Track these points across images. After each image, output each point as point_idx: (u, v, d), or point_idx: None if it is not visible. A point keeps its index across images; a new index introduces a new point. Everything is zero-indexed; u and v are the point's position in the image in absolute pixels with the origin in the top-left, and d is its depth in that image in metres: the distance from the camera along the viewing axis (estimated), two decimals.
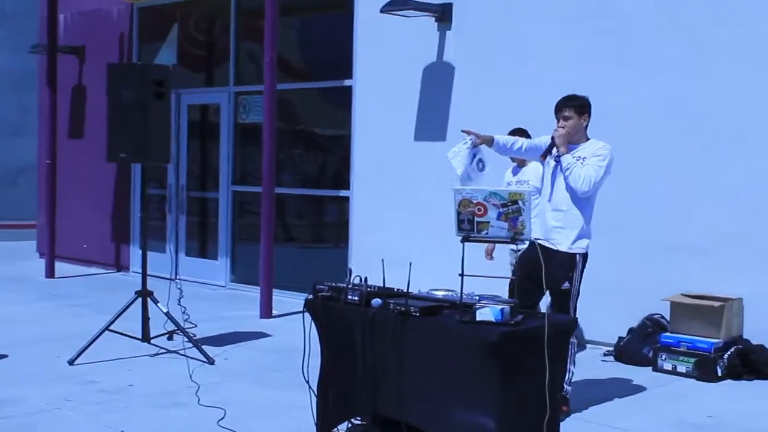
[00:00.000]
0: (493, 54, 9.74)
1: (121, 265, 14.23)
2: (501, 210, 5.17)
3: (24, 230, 19.29)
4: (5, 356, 7.79)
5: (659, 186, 8.61)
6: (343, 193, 11.35)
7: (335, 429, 5.57)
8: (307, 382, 5.51)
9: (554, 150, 6.46)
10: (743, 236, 8.11)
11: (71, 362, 7.57)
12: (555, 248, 6.33)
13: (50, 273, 13.36)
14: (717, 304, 7.85)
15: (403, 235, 10.15)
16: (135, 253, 13.59)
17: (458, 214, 5.27)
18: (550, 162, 6.51)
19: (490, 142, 6.48)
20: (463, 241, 5.31)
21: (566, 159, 6.33)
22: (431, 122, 10.15)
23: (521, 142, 6.73)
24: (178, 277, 11.65)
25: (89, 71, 14.53)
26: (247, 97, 12.58)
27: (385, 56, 10.77)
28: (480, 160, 6.44)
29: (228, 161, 12.76)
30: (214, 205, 13.03)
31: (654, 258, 8.56)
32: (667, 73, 8.60)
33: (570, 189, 6.31)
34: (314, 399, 5.57)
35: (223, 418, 6.04)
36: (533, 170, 7.80)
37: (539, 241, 6.14)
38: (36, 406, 6.32)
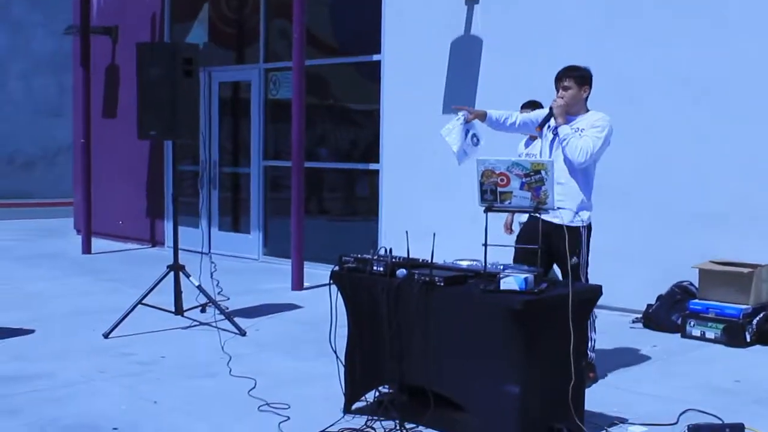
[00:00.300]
0: (519, 28, 9.76)
1: (156, 241, 14.43)
2: (524, 180, 5.17)
3: (63, 208, 19.59)
4: (32, 331, 7.94)
5: (681, 155, 8.64)
6: (372, 166, 11.42)
7: (362, 398, 5.66)
8: (335, 352, 5.59)
9: (552, 122, 6.38)
10: (765, 201, 8.12)
11: (106, 335, 7.71)
12: (557, 222, 6.11)
13: (87, 249, 13.59)
14: (746, 270, 7.87)
15: (432, 208, 10.21)
16: (169, 228, 13.74)
17: (481, 184, 5.28)
18: (548, 134, 6.44)
19: (483, 117, 6.43)
20: (486, 211, 5.34)
21: (564, 130, 6.26)
22: (459, 96, 10.17)
23: (515, 116, 6.61)
24: (211, 251, 11.84)
25: (122, 51, 14.67)
26: (277, 73, 12.67)
27: (412, 31, 10.80)
28: (474, 135, 6.41)
29: (259, 137, 12.88)
30: (246, 180, 13.16)
31: (682, 226, 8.59)
32: (683, 44, 8.62)
33: (568, 161, 6.22)
34: (342, 369, 5.67)
35: (253, 388, 6.15)
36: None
37: (542, 215, 5.90)
38: (70, 379, 6.44)
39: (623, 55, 8.91)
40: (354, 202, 12.49)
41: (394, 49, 11.01)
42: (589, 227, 6.40)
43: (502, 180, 5.21)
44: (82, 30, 13.83)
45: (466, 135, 6.30)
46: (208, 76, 13.48)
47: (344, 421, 5.41)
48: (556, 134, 6.33)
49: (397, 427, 5.27)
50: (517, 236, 6.79)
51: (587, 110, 6.46)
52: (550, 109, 6.37)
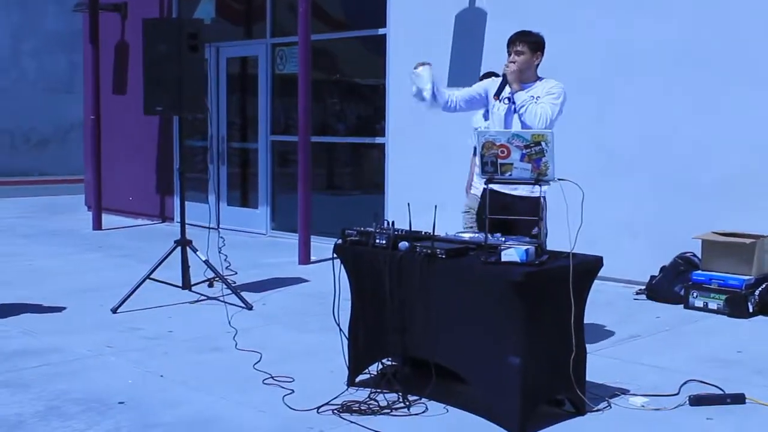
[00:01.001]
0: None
1: (165, 216, 14.51)
2: (524, 151, 5.15)
3: (74, 185, 19.70)
4: (42, 306, 8.02)
5: (684, 126, 8.65)
6: (378, 140, 11.45)
7: (366, 370, 5.71)
8: (338, 325, 5.63)
9: (507, 90, 6.15)
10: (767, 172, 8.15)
11: (114, 310, 7.78)
12: (516, 194, 6.06)
13: (97, 225, 13.67)
14: (748, 241, 7.89)
15: (437, 181, 10.22)
16: (178, 203, 13.79)
17: (482, 156, 5.29)
18: (498, 104, 6.19)
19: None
20: (487, 183, 5.37)
21: (520, 96, 6.06)
22: (464, 69, 10.17)
23: (451, 94, 6.32)
24: (219, 226, 11.90)
25: (131, 28, 14.69)
26: (284, 48, 12.68)
27: (417, 4, 10.80)
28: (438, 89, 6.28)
29: (266, 112, 12.91)
30: (254, 155, 13.21)
31: (685, 197, 8.62)
32: (681, 14, 8.62)
33: (525, 129, 5.86)
34: (345, 342, 5.72)
35: (259, 361, 6.21)
36: None
37: (495, 188, 5.75)
38: (79, 353, 6.51)
39: (627, 28, 8.92)
40: (360, 176, 12.53)
41: (399, 22, 11.02)
42: (545, 199, 5.99)
43: (502, 152, 5.19)
44: (90, 7, 13.85)
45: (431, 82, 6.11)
46: (216, 52, 13.51)
47: (348, 394, 5.46)
48: (512, 102, 6.13)
49: (400, 400, 5.32)
50: (477, 209, 6.61)
51: (538, 77, 6.23)
52: (503, 76, 6.15)
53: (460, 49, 10.30)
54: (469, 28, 10.24)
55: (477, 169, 7.15)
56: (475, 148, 7.35)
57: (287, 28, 12.60)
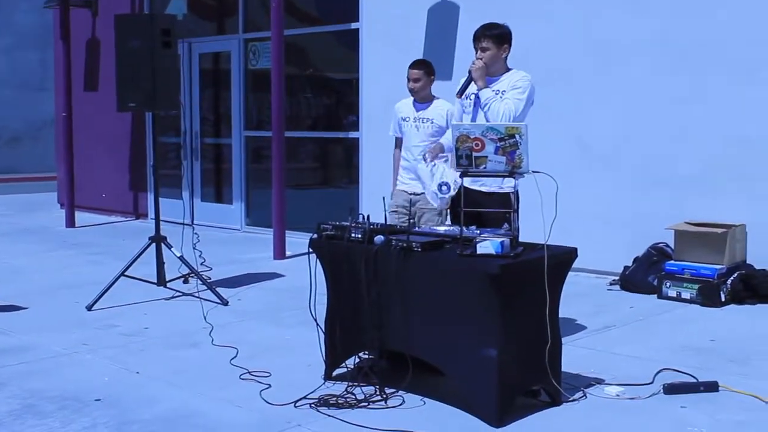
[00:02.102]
0: None
1: (139, 213, 14.47)
2: (498, 144, 5.14)
3: (46, 182, 19.58)
4: (16, 305, 7.98)
5: (659, 118, 8.71)
6: (352, 134, 11.46)
7: (343, 364, 5.71)
8: (315, 319, 5.63)
9: (473, 86, 6.14)
10: (741, 164, 8.25)
11: (89, 308, 7.76)
12: (486, 190, 6.07)
13: (71, 223, 13.63)
14: (720, 230, 7.96)
15: None
16: (152, 200, 13.75)
17: (456, 149, 5.29)
18: (466, 101, 6.21)
19: (441, 149, 6.27)
20: (462, 176, 5.36)
21: (484, 94, 6.02)
22: (437, 62, 10.02)
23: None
24: (194, 222, 11.88)
25: (102, 24, 14.61)
26: (257, 43, 12.67)
27: None
28: (444, 183, 6.36)
29: (240, 107, 12.90)
30: (228, 150, 13.19)
31: (657, 188, 8.69)
32: (658, 6, 8.67)
33: None
34: (322, 336, 5.73)
35: (235, 356, 6.21)
36: (437, 108, 7.17)
37: (466, 185, 5.62)
38: (54, 351, 6.49)
39: (604, 19, 8.98)
40: (335, 170, 12.54)
41: (372, 16, 11.02)
42: (517, 193, 5.91)
43: (477, 145, 5.18)
44: (62, 3, 13.78)
45: (432, 182, 6.15)
46: (189, 48, 13.48)
47: (325, 388, 5.47)
48: (478, 99, 6.10)
49: (377, 393, 5.34)
50: (451, 205, 6.52)
51: (507, 69, 6.22)
52: (469, 72, 6.13)
53: (433, 43, 10.32)
54: (441, 22, 10.26)
55: (403, 162, 7.19)
56: (397, 140, 7.37)
57: (260, 24, 12.59)
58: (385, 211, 6.70)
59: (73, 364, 6.18)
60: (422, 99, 7.21)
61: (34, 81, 25.39)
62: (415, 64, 7.28)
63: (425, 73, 7.16)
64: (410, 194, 6.99)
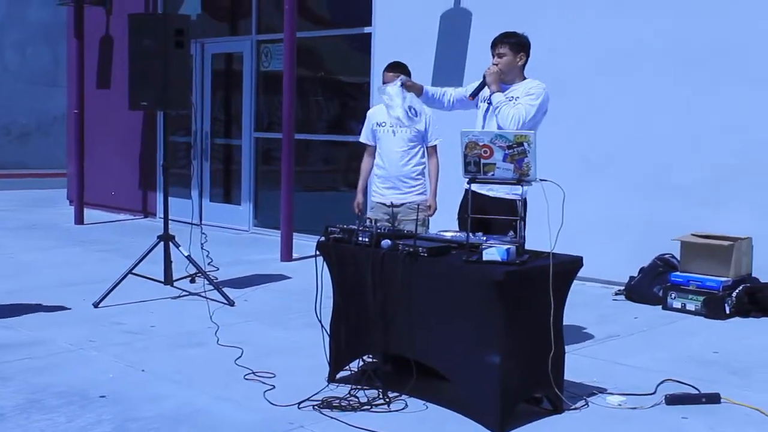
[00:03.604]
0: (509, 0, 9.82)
1: (148, 211, 14.51)
2: (507, 152, 5.17)
3: (56, 179, 19.64)
4: (24, 301, 8.02)
5: (667, 127, 8.72)
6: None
7: (347, 367, 5.74)
8: (320, 322, 5.66)
9: (486, 90, 6.20)
10: (750, 175, 8.24)
11: (96, 305, 7.79)
12: (492, 195, 6.10)
13: (79, 220, 13.67)
14: (726, 243, 7.97)
15: None
16: (161, 199, 13.81)
17: (465, 156, 5.30)
18: (482, 105, 6.26)
19: (420, 91, 6.29)
20: (469, 182, 5.39)
21: (496, 98, 6.07)
22: (448, 68, 10.23)
23: (449, 93, 6.41)
24: (202, 222, 11.92)
25: (116, 22, 14.67)
26: (269, 45, 12.71)
27: (403, 3, 10.85)
28: (411, 108, 6.40)
29: (250, 109, 12.94)
30: (238, 151, 13.23)
31: (664, 199, 8.71)
32: (666, 14, 8.69)
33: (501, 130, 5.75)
34: (327, 339, 5.75)
35: (240, 356, 6.24)
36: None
37: (473, 189, 5.71)
38: (60, 347, 6.52)
39: (611, 26, 9.00)
40: (344, 173, 12.55)
41: (384, 21, 11.06)
42: (524, 201, 5.97)
43: (485, 152, 5.22)
44: (76, 0, 13.83)
45: (403, 102, 6.19)
46: (201, 48, 13.53)
47: (328, 390, 5.49)
48: (490, 103, 6.15)
49: (380, 396, 5.36)
50: (459, 210, 6.43)
51: (524, 78, 6.27)
52: (484, 77, 6.19)
53: (445, 49, 10.36)
54: (454, 28, 10.29)
55: (378, 171, 7.15)
56: (368, 148, 7.32)
57: (273, 25, 12.62)
58: (392, 215, 6.73)
59: (79, 361, 6.21)
60: None
61: (46, 77, 25.49)
62: (391, 67, 7.22)
63: (402, 75, 6.93)
64: (389, 206, 6.96)
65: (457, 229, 5.93)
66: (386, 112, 6.40)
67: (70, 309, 7.76)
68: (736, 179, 8.31)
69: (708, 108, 8.46)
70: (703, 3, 8.50)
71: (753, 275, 8.16)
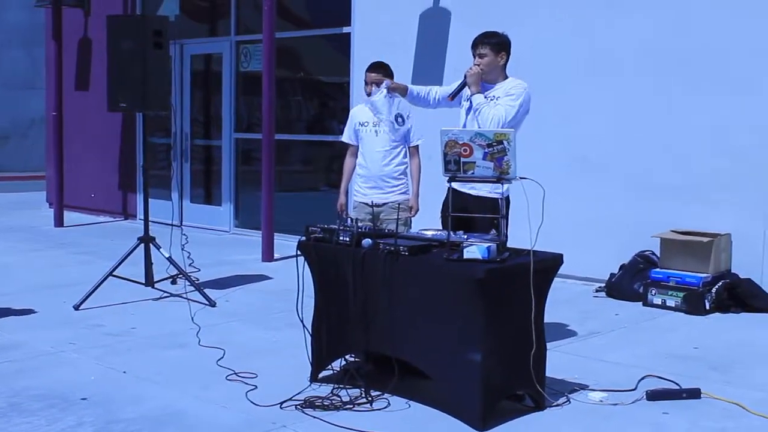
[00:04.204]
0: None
1: (128, 213, 14.46)
2: (486, 150, 5.19)
3: (35, 181, 19.54)
4: (4, 304, 7.99)
5: (650, 126, 8.75)
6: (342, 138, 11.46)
7: (329, 366, 5.74)
8: (302, 321, 5.65)
9: (467, 91, 6.24)
10: (728, 174, 8.29)
11: (76, 307, 7.76)
12: (475, 194, 6.13)
13: (59, 222, 13.61)
14: (705, 239, 8.02)
15: None
16: (141, 200, 13.76)
17: (445, 155, 5.31)
18: (464, 103, 6.30)
19: (404, 91, 6.36)
20: (449, 181, 5.41)
21: (476, 99, 6.11)
22: (428, 67, 10.23)
23: (435, 91, 6.46)
24: (183, 224, 11.89)
25: (94, 24, 14.60)
26: (248, 45, 12.69)
27: (382, 3, 10.85)
28: (399, 116, 6.46)
29: (230, 109, 12.92)
30: (218, 152, 13.21)
31: (644, 197, 8.74)
32: (648, 15, 8.72)
33: None
34: (309, 338, 5.75)
35: (222, 357, 6.23)
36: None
37: (455, 188, 5.83)
38: (41, 350, 6.50)
39: (597, 27, 9.02)
40: (325, 173, 12.55)
41: (363, 21, 11.06)
42: (507, 199, 6.09)
43: (465, 150, 5.23)
44: (53, 2, 13.77)
45: (390, 108, 6.25)
46: (180, 49, 13.49)
47: (311, 390, 5.49)
48: (471, 103, 6.18)
49: (363, 395, 5.36)
50: (442, 209, 6.44)
51: (506, 77, 6.30)
52: (465, 77, 6.21)
53: (425, 49, 10.37)
54: (433, 28, 10.30)
55: (360, 170, 7.17)
56: (350, 147, 7.34)
57: (251, 26, 12.61)
58: (372, 214, 6.74)
59: (60, 363, 6.19)
60: None
61: (24, 79, 25.34)
62: (373, 67, 7.20)
63: (384, 75, 6.99)
64: (371, 206, 6.97)
65: (440, 228, 5.93)
66: (370, 112, 6.44)
67: (50, 311, 7.72)
68: (715, 178, 8.34)
69: (688, 109, 8.49)
70: (685, 6, 8.52)
71: (732, 271, 8.21)
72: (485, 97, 6.15)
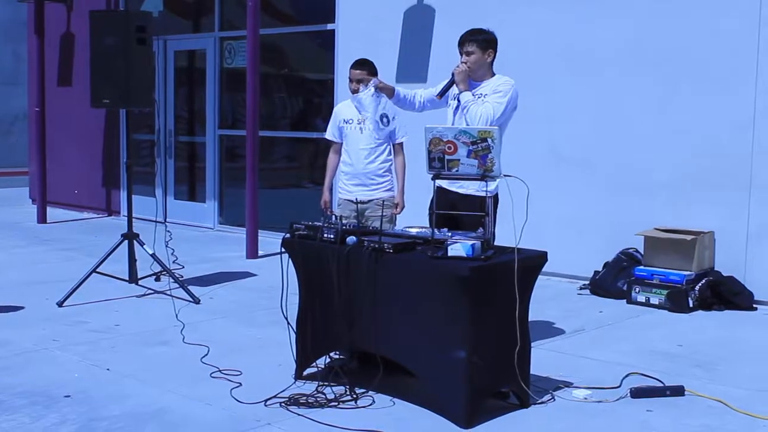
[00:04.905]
0: None
1: (112, 210, 14.42)
2: (470, 147, 5.20)
3: (18, 177, 19.45)
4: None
5: (633, 125, 8.77)
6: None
7: (314, 364, 5.73)
8: (286, 318, 5.65)
9: (455, 89, 6.24)
10: (711, 172, 8.32)
11: (60, 304, 7.73)
12: (463, 192, 6.15)
13: (42, 218, 13.54)
14: (689, 237, 8.04)
15: None
16: (125, 197, 13.72)
17: (429, 152, 5.32)
18: (451, 102, 6.31)
19: (391, 92, 6.38)
20: (434, 178, 5.40)
21: (465, 96, 6.11)
22: (412, 64, 10.24)
23: (419, 95, 6.46)
24: (166, 220, 11.86)
25: (77, 19, 14.55)
26: (232, 42, 12.66)
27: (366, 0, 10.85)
28: (384, 116, 6.48)
29: (214, 106, 12.89)
30: (202, 149, 13.18)
31: (628, 194, 8.77)
32: (630, 15, 8.74)
33: None
34: (293, 336, 5.75)
35: (206, 354, 6.22)
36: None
37: (443, 186, 5.86)
38: (24, 347, 6.47)
39: (579, 25, 9.04)
40: (309, 170, 12.54)
41: (348, 18, 11.05)
42: (496, 197, 6.10)
43: (449, 148, 5.24)
44: None
45: (377, 107, 6.27)
46: (164, 45, 13.45)
47: (295, 387, 5.49)
48: (458, 101, 6.19)
49: (347, 392, 5.36)
50: (429, 207, 6.38)
51: (493, 74, 6.31)
52: (452, 75, 6.21)
53: (409, 46, 10.37)
54: (417, 25, 10.30)
55: (345, 168, 7.16)
56: (334, 145, 7.33)
57: (236, 22, 12.59)
58: (357, 211, 6.73)
59: (43, 360, 6.16)
60: None
61: (6, 75, 25.20)
62: (357, 64, 7.17)
63: (368, 73, 6.98)
64: (356, 203, 6.95)
65: (425, 225, 5.93)
66: (355, 109, 6.44)
67: (33, 308, 7.69)
68: (698, 176, 8.38)
69: (671, 107, 8.53)
70: (665, 6, 8.54)
71: (715, 269, 8.24)
72: (473, 95, 6.15)
